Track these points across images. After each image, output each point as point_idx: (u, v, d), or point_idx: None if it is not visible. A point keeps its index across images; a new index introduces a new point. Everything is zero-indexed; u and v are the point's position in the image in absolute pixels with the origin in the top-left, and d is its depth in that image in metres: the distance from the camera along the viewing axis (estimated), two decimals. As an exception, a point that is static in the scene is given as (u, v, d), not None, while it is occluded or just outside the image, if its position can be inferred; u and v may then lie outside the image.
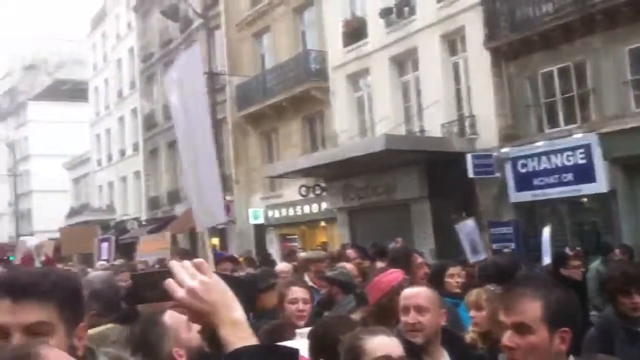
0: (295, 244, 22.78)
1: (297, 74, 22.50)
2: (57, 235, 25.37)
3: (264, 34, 25.74)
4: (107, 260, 14.36)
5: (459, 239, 10.73)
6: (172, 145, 32.65)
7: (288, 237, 24.47)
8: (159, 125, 33.84)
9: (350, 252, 9.50)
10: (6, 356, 1.25)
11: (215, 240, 25.86)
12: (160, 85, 34.04)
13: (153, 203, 34.35)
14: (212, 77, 25.07)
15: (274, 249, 22.89)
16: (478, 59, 16.58)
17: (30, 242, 13.25)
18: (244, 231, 25.48)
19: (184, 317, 2.72)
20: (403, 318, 3.43)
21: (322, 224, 23.10)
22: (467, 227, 10.77)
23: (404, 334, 3.29)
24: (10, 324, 1.69)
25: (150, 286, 1.63)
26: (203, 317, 1.51)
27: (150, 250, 17.57)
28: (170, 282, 1.51)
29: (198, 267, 1.54)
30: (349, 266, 6.50)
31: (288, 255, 14.52)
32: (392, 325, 3.48)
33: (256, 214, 24.75)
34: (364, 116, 21.14)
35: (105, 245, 16.07)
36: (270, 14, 24.67)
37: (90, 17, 44.82)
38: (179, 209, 31.14)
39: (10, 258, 37.83)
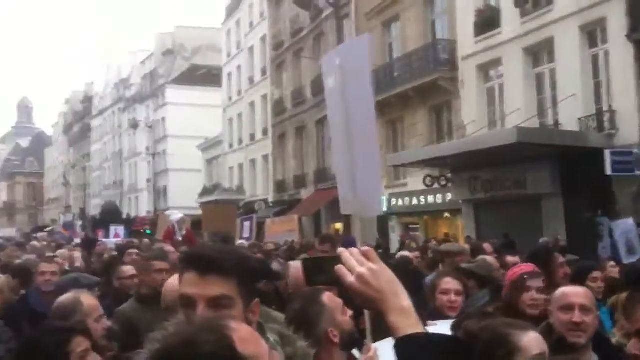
0: (418, 233, 22.81)
1: (425, 63, 22.37)
2: (191, 212, 26.89)
3: (393, 22, 25.75)
4: (249, 239, 14.90)
5: (612, 238, 10.05)
6: (299, 130, 33.52)
7: (410, 226, 24.52)
8: (288, 111, 34.79)
9: (487, 246, 9.36)
10: (200, 327, 1.32)
11: (339, 226, 26.45)
12: (289, 73, 34.96)
13: (280, 186, 35.48)
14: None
15: (395, 238, 23.07)
16: (620, 51, 15.78)
17: (174, 216, 13.99)
18: (366, 218, 25.77)
19: (340, 300, 2.92)
20: (564, 316, 3.31)
21: (446, 215, 22.94)
22: (625, 226, 10.05)
23: (564, 333, 3.23)
24: (196, 295, 1.81)
25: (319, 270, 1.70)
26: (371, 303, 1.57)
27: (278, 232, 18.20)
28: (340, 268, 1.59)
29: (366, 255, 1.61)
30: (489, 259, 6.24)
31: (407, 245, 14.66)
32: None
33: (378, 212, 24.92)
34: (493, 107, 20.71)
35: (247, 224, 16.61)
36: (400, 2, 24.61)
37: (226, 6, 46.61)
38: (304, 193, 32.01)
39: (147, 232, 40.54)
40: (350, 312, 2.91)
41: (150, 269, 4.95)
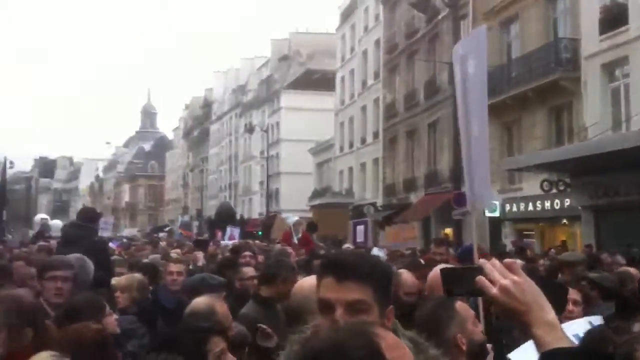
0: (533, 240, 21.92)
1: (545, 63, 21.55)
2: (302, 215, 27.27)
3: (512, 22, 25.02)
4: (363, 243, 14.76)
5: None
6: (410, 134, 33.25)
7: (525, 232, 23.63)
8: (399, 114, 34.63)
9: (606, 256, 8.92)
10: (348, 332, 1.34)
11: (449, 231, 25.90)
12: (402, 76, 34.80)
13: (389, 190, 35.33)
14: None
15: (508, 244, 22.26)
16: None
17: (291, 219, 14.19)
18: (478, 224, 25.07)
19: (472, 312, 2.89)
20: None
21: (564, 221, 21.91)
22: None
23: None
24: (335, 299, 1.86)
25: (459, 281, 1.66)
26: (515, 315, 1.54)
27: (397, 238, 17.94)
28: (481, 279, 1.57)
29: (509, 267, 1.58)
30: (632, 270, 6.04)
31: (519, 253, 14.02)
32: None
33: (492, 206, 24.22)
34: (618, 108, 19.60)
35: (360, 228, 16.51)
36: (520, 1, 23.89)
37: (341, 11, 47.16)
38: (414, 197, 31.67)
39: (259, 233, 41.57)
40: (481, 326, 2.86)
41: None
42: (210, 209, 70.00)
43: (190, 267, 8.95)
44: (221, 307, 3.59)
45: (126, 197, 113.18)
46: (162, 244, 17.05)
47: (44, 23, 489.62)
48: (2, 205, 13.66)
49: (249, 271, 6.08)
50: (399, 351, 1.36)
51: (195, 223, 59.67)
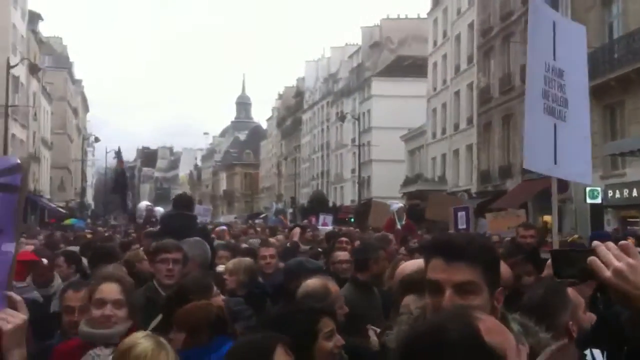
0: (638, 227, 20.95)
1: (651, 42, 20.48)
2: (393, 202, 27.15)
3: (615, 1, 23.85)
4: (465, 230, 14.51)
5: None
6: (506, 119, 32.39)
7: (629, 220, 22.61)
8: (494, 99, 33.80)
9: None
10: (448, 315, 1.36)
11: (548, 218, 25.13)
12: (497, 59, 33.91)
13: (484, 176, 34.62)
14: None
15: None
16: None
17: (394, 206, 14.12)
18: (579, 211, 24.25)
19: (582, 299, 2.84)
20: None
21: (673, 208, 20.83)
22: None
23: None
24: (443, 280, 1.87)
25: (569, 263, 1.61)
26: (629, 300, 1.49)
27: (502, 227, 17.44)
28: (594, 261, 1.52)
29: (624, 249, 1.52)
30: None
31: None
32: None
33: (594, 193, 23.31)
34: None
35: (462, 214, 16.24)
36: (622, -22, 22.75)
37: (432, -5, 46.45)
38: (510, 184, 30.89)
39: (351, 220, 41.81)
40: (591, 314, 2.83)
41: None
42: (303, 197, 71.00)
43: (288, 244, 9.28)
44: (334, 288, 3.68)
45: (223, 185, 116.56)
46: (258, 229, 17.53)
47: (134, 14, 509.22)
48: (125, 191, 14.52)
49: (342, 255, 6.20)
50: (500, 335, 1.34)
51: (289, 210, 60.70)
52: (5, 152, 31.49)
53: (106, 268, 5.78)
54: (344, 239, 8.74)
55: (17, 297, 2.03)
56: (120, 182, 14.43)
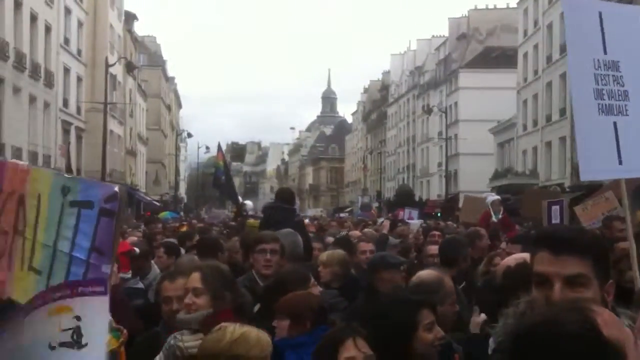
0: None
1: None
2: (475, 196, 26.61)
3: None
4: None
5: None
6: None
7: None
8: (589, 89, 32.52)
9: None
10: (563, 307, 1.35)
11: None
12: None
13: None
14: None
15: None
16: None
17: (490, 198, 13.83)
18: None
19: None
20: None
21: None
22: None
23: None
24: (552, 273, 1.85)
25: None
26: None
27: (594, 216, 16.71)
28: None
29: None
30: None
31: None
32: None
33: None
34: None
35: (556, 208, 15.76)
36: None
37: (523, -17, 45.11)
38: (606, 178, 29.68)
39: (438, 215, 41.35)
40: None
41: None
42: (389, 191, 70.77)
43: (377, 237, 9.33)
44: (448, 283, 3.68)
45: (309, 179, 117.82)
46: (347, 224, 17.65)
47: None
48: (228, 185, 15.00)
49: (433, 249, 6.23)
50: (618, 329, 1.33)
51: (375, 204, 60.69)
52: (104, 147, 33.12)
53: (181, 259, 6.05)
54: (436, 232, 8.71)
55: None
56: (219, 176, 14.91)
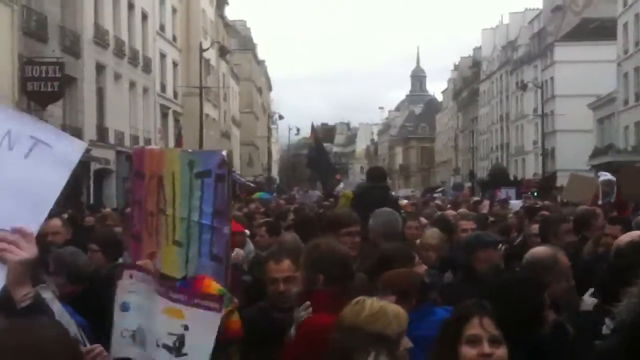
0: None
1: None
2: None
3: None
4: None
5: None
6: None
7: None
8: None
9: None
10: None
11: None
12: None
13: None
14: None
15: None
16: None
17: (603, 177, 13.28)
18: None
19: None
20: None
21: None
22: None
23: None
24: None
25: None
26: None
27: None
28: None
29: None
30: None
31: None
32: None
33: None
34: None
35: None
36: None
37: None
38: None
39: (534, 194, 40.20)
40: None
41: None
42: (481, 170, 69.32)
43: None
44: (563, 259, 3.62)
45: (399, 160, 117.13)
46: (438, 202, 17.53)
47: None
48: (323, 165, 15.26)
49: (535, 228, 6.18)
50: None
51: (467, 184, 59.70)
52: (201, 131, 34.23)
53: (284, 238, 6.22)
54: (545, 212, 8.54)
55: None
56: (314, 156, 15.19)
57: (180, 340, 2.25)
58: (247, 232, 6.79)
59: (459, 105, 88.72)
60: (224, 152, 2.99)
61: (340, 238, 4.62)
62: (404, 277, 3.34)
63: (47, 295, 2.80)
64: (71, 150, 2.19)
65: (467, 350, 2.46)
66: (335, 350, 2.48)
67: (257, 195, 31.02)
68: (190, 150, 3.31)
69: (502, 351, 2.47)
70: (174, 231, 3.04)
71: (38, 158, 2.12)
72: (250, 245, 6.44)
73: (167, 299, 2.35)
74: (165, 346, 2.28)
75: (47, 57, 22.57)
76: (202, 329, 2.30)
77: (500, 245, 5.16)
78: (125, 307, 2.53)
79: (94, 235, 5.86)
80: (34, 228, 2.05)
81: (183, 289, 2.46)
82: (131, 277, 2.62)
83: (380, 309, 2.59)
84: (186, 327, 2.25)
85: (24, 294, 1.96)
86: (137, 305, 2.51)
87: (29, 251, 1.96)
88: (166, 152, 3.31)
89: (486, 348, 2.44)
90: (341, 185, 21.47)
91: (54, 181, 2.13)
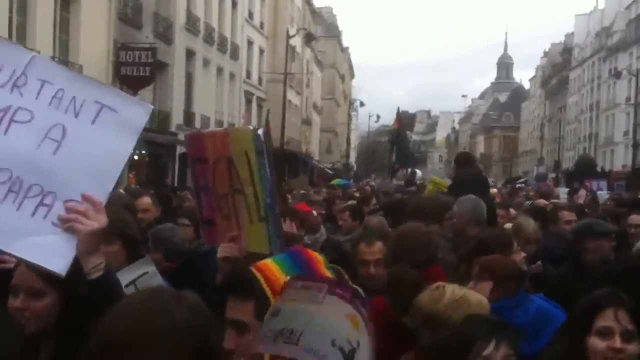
0: None
1: None
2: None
3: None
4: None
5: None
6: None
7: None
8: None
9: None
10: None
11: None
12: None
13: None
14: None
15: None
16: None
17: None
18: None
19: None
20: None
21: None
22: None
23: None
24: None
25: None
26: None
27: None
28: None
29: None
30: None
31: None
32: None
33: None
34: None
35: None
36: None
37: None
38: None
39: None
40: None
41: None
42: (567, 161, 66.99)
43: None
44: None
45: (481, 148, 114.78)
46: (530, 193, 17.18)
47: None
48: (404, 153, 15.27)
49: (637, 219, 6.12)
50: None
51: (551, 175, 57.91)
52: (283, 117, 34.68)
53: (371, 221, 6.24)
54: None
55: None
56: (395, 142, 15.21)
57: (351, 354, 1.87)
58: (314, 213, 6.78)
59: (546, 93, 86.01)
60: (260, 131, 2.93)
61: (445, 223, 4.54)
62: (501, 263, 3.28)
63: (150, 269, 2.86)
64: (138, 115, 2.09)
65: (596, 342, 2.34)
66: (453, 338, 2.23)
67: (335, 181, 31.25)
68: (251, 127, 3.20)
69: (634, 347, 2.32)
70: (258, 208, 2.95)
71: (104, 124, 2.03)
72: (322, 229, 6.51)
73: (344, 301, 1.91)
74: (342, 350, 1.91)
75: (141, 42, 23.42)
76: (366, 349, 1.88)
77: (613, 234, 4.95)
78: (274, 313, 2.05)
79: (185, 210, 5.98)
80: (102, 197, 1.98)
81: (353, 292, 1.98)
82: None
83: (463, 296, 2.51)
84: (358, 344, 1.87)
85: (94, 265, 1.91)
86: (290, 311, 1.99)
87: (99, 221, 1.91)
88: (231, 132, 3.16)
89: (618, 342, 2.30)
90: (420, 173, 21.29)
91: (120, 148, 2.05)
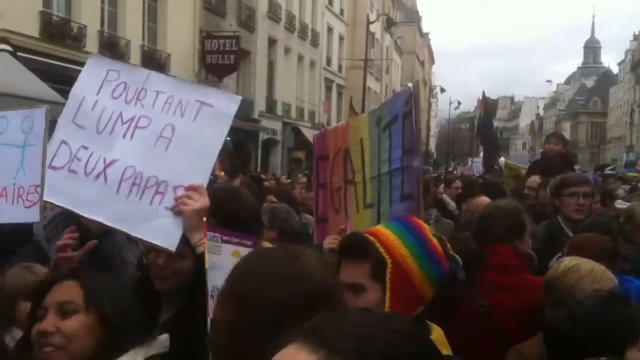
0: None
1: None
2: None
3: None
4: None
5: None
6: None
7: None
8: None
9: None
10: None
11: None
12: None
13: None
14: None
15: None
16: None
17: None
18: None
19: None
20: None
21: None
22: None
23: None
24: None
25: None
26: None
27: None
28: None
29: None
30: None
31: None
32: None
33: None
34: None
35: None
36: None
37: None
38: None
39: None
40: None
41: None
42: (661, 148, 63.92)
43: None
44: None
45: (566, 135, 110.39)
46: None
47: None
48: (489, 138, 14.98)
49: None
50: None
51: (641, 162, 55.41)
52: (363, 103, 34.59)
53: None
54: None
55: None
56: (480, 125, 14.95)
57: None
58: None
59: (637, 78, 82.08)
60: (411, 85, 2.95)
61: (563, 199, 4.37)
62: (595, 242, 3.28)
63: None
64: (229, 106, 2.43)
65: None
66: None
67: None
68: (376, 107, 3.26)
69: None
70: (365, 196, 3.04)
71: (204, 118, 2.40)
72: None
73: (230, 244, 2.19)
74: None
75: (225, 30, 23.93)
76: None
77: None
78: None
79: (273, 189, 6.32)
80: (203, 181, 2.34)
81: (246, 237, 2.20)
82: None
83: (575, 265, 2.65)
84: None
85: (199, 239, 2.14)
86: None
87: (201, 201, 2.25)
88: (352, 122, 3.27)
89: None
90: (502, 160, 20.87)
91: (216, 135, 2.40)
